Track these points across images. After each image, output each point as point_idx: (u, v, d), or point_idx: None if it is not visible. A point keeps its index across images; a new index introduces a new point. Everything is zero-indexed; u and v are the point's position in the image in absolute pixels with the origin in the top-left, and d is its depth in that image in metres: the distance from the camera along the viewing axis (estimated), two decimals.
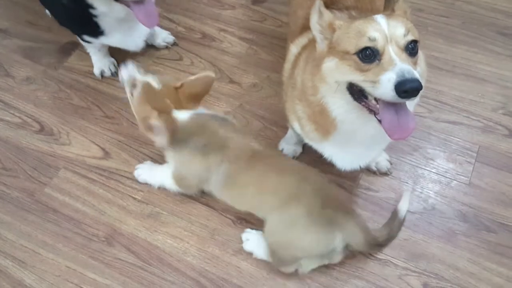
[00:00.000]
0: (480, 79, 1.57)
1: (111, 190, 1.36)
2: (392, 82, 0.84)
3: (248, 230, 1.26)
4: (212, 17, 1.79)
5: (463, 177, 1.37)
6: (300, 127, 1.16)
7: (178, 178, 1.26)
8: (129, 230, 1.29)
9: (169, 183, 1.29)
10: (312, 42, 1.07)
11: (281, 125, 1.49)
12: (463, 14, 1.74)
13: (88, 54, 1.62)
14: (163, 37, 1.71)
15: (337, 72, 0.95)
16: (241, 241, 1.25)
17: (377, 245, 1.20)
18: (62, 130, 1.48)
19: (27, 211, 1.32)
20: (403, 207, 1.23)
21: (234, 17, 1.79)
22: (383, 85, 0.86)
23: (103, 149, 1.45)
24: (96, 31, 1.42)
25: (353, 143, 1.08)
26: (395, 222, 1.22)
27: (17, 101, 1.57)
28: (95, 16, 1.36)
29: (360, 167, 1.18)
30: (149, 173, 1.36)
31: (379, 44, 0.89)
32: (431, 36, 1.68)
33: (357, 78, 0.92)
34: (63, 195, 1.35)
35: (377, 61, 0.89)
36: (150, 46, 1.69)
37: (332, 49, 0.96)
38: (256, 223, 1.26)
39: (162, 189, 1.35)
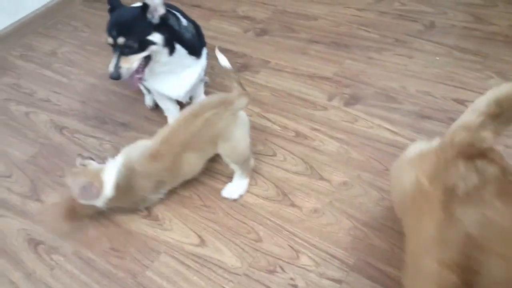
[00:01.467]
0: None
1: (204, 277, 1.44)
2: None
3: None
4: (305, 117, 1.92)
5: None
6: None
7: None
8: None
9: None
10: None
11: (371, 226, 1.50)
12: None
13: None
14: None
15: None
16: None
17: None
18: (166, 217, 1.63)
19: None
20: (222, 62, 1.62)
21: (326, 117, 1.91)
22: None
23: (199, 236, 1.56)
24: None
25: None
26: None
27: None
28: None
29: None
30: None
31: None
32: None
33: None
34: (162, 279, 1.45)
35: None
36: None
37: None
38: None
39: (251, 282, 1.40)
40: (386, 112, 1.90)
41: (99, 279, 1.48)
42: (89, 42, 2.71)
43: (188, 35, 1.76)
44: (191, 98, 2.03)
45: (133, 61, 1.61)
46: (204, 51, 1.90)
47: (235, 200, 1.65)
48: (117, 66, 1.58)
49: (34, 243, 1.63)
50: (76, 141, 2.02)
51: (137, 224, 1.63)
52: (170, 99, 1.93)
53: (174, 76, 1.78)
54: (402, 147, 1.72)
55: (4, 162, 1.98)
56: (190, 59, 1.80)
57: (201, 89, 2.06)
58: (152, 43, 1.61)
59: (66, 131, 2.09)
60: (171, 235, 1.57)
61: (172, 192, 1.71)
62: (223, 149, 1.56)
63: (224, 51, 2.38)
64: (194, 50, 1.82)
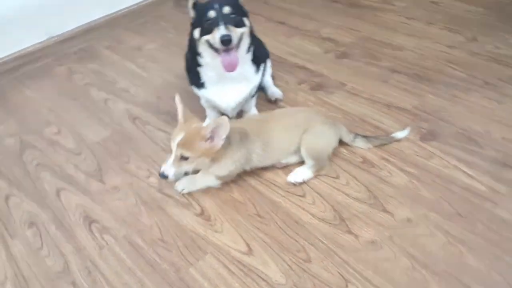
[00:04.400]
0: None
1: (246, 287, 1.39)
2: None
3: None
4: (376, 145, 1.84)
5: None
6: None
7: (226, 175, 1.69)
8: None
9: (213, 183, 1.72)
10: None
11: (432, 270, 1.38)
12: None
13: None
14: (272, 91, 2.16)
15: None
16: None
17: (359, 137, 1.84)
18: (217, 218, 1.61)
19: (170, 286, 1.41)
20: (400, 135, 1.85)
21: (398, 149, 1.82)
22: None
23: (248, 245, 1.51)
24: (199, 82, 1.85)
25: None
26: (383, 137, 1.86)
27: None
28: (200, 65, 1.79)
29: None
30: (191, 183, 1.72)
31: None
32: None
33: None
34: (203, 279, 1.42)
35: None
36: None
37: None
38: None
39: None
40: (465, 154, 1.77)
41: (143, 267, 1.48)
42: (173, 42, 2.82)
43: (255, 41, 1.85)
44: (240, 113, 2.05)
45: (236, 32, 1.67)
46: (261, 68, 1.92)
47: (295, 184, 1.71)
48: (227, 31, 1.62)
49: (89, 221, 1.67)
50: (146, 132, 2.08)
51: (190, 220, 1.62)
52: (216, 109, 1.98)
53: (229, 86, 1.81)
54: (477, 194, 1.60)
55: (77, 141, 2.07)
56: (251, 69, 1.85)
57: (252, 103, 2.05)
58: (245, 24, 1.71)
59: (138, 122, 2.15)
60: (220, 238, 1.55)
61: (227, 196, 1.70)
62: (305, 140, 1.72)
63: (301, 68, 2.39)
64: (258, 60, 1.87)
